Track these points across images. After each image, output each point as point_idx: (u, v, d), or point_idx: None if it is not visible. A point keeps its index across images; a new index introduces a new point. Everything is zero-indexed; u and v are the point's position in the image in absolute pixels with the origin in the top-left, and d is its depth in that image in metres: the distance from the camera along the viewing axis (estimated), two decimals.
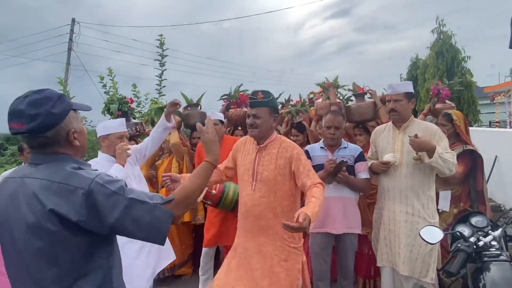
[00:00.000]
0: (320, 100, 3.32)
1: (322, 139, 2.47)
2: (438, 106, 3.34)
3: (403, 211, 2.14)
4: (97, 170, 1.07)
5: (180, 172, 3.32)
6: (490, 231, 1.68)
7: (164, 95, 5.33)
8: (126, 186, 1.02)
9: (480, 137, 4.60)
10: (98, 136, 2.31)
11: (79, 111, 1.12)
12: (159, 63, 6.07)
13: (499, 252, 1.57)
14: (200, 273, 2.93)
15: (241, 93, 3.94)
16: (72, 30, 12.45)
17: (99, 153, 2.33)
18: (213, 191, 2.59)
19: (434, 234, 1.60)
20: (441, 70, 10.49)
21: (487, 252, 1.57)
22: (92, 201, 0.94)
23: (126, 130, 2.37)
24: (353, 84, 3.28)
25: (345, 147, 2.37)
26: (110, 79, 5.40)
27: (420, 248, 2.07)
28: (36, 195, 0.96)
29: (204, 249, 2.91)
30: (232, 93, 3.95)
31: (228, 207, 2.66)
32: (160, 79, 6.22)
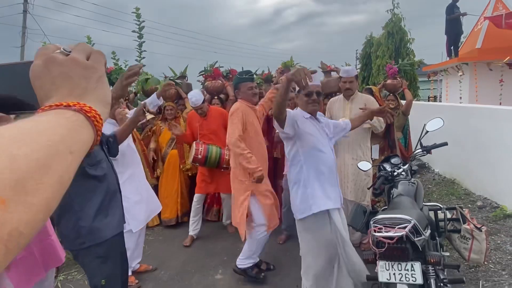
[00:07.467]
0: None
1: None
2: (388, 81, 4.26)
3: (349, 157, 3.08)
4: None
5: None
6: (401, 166, 2.66)
7: (144, 65, 5.75)
8: None
9: (415, 109, 5.74)
10: None
11: None
12: (137, 35, 6.42)
13: (405, 177, 2.56)
14: (191, 215, 3.69)
15: (215, 67, 4.60)
16: None
17: None
18: (199, 156, 3.31)
19: (367, 166, 2.55)
20: (390, 49, 11.75)
21: (397, 178, 2.55)
22: None
23: None
24: (321, 63, 4.09)
25: None
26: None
27: (361, 182, 3.06)
28: None
29: (196, 195, 3.67)
30: (208, 69, 4.60)
31: (213, 165, 3.41)
32: (139, 51, 6.58)
